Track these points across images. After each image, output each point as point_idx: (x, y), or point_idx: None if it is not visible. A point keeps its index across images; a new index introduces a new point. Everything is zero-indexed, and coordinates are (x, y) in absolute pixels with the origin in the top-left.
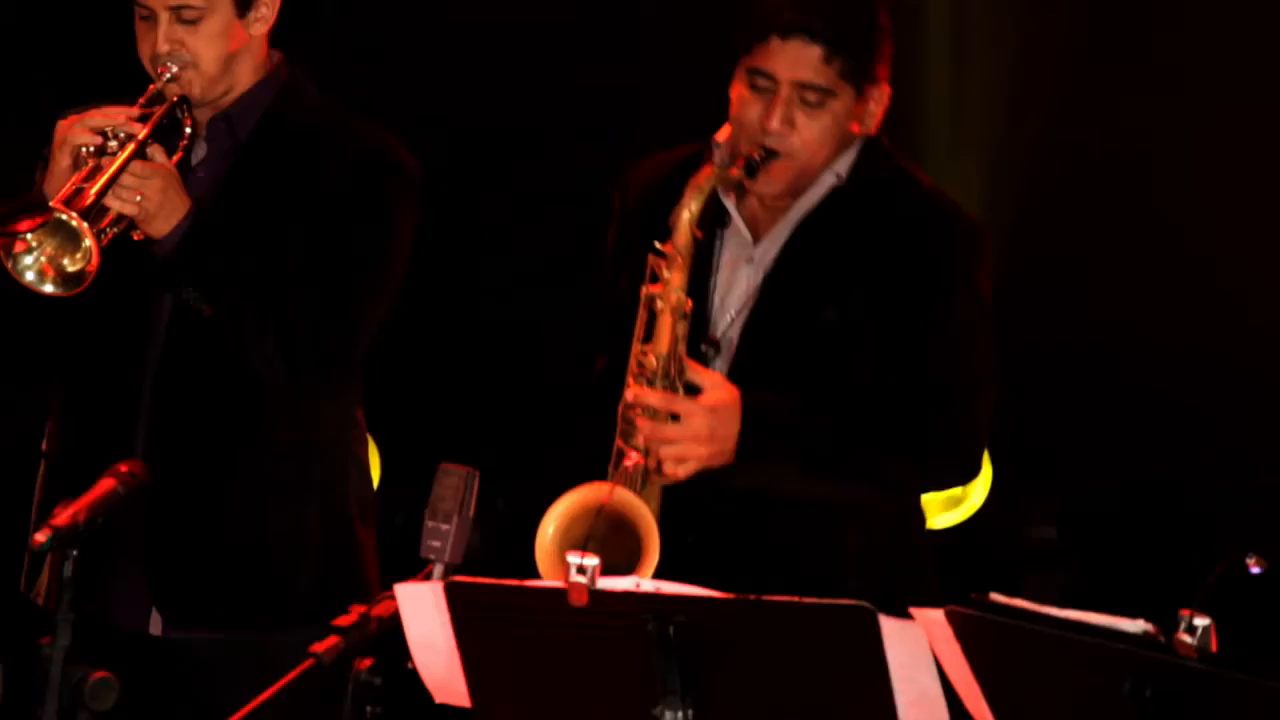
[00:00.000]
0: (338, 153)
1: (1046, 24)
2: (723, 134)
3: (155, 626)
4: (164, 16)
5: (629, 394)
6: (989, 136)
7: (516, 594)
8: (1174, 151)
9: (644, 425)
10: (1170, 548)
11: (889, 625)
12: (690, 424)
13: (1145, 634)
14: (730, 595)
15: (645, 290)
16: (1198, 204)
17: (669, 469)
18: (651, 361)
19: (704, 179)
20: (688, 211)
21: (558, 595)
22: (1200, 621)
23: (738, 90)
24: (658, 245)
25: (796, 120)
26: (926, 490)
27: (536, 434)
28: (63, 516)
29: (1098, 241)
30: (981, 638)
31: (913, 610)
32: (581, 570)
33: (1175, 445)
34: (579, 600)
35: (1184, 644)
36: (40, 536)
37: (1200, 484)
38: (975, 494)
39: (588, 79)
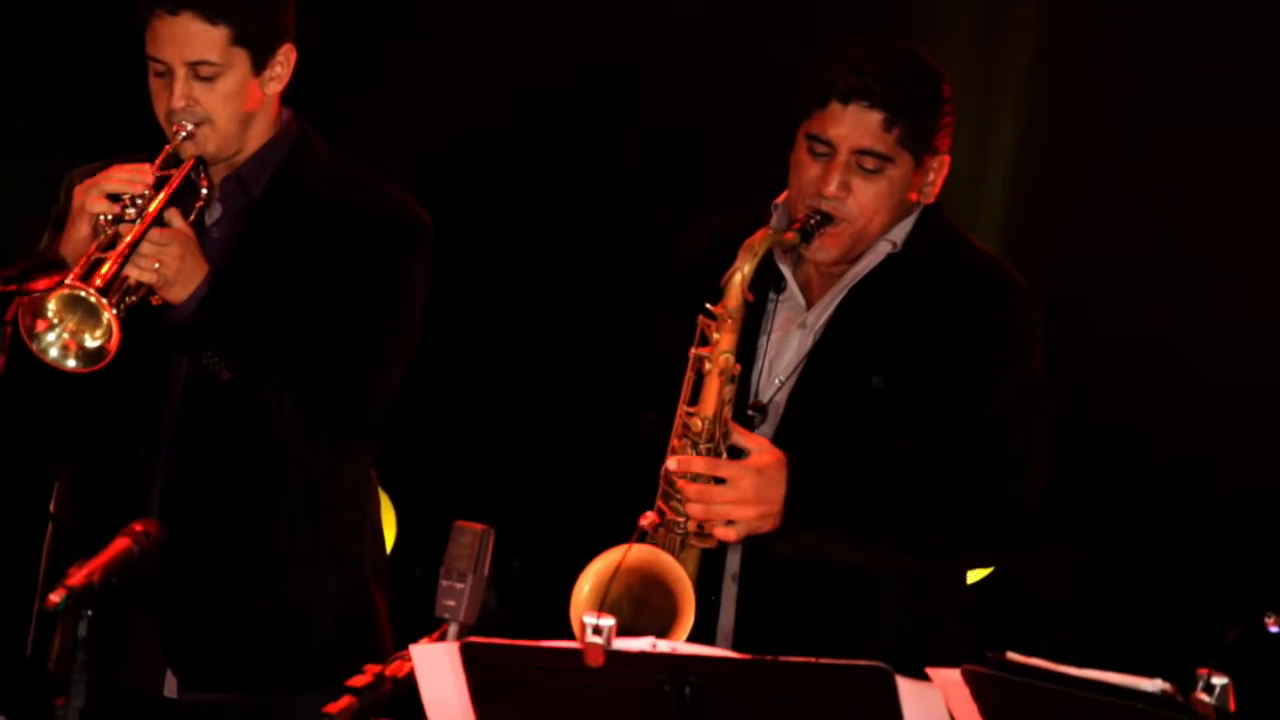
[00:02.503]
0: (351, 211)
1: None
2: (781, 198)
3: (170, 689)
4: (181, 73)
5: (672, 462)
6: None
7: (532, 654)
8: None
9: (690, 489)
10: (1189, 606)
11: (906, 686)
12: (737, 487)
13: (1163, 693)
14: (746, 655)
15: (694, 352)
16: (1226, 255)
17: (719, 532)
18: (696, 424)
19: (758, 241)
20: (740, 274)
21: (574, 655)
22: (1218, 681)
23: (797, 155)
24: (709, 306)
25: (853, 185)
26: (973, 565)
27: (554, 492)
28: (77, 576)
29: (1118, 293)
30: (998, 697)
31: (929, 670)
32: (597, 630)
33: (1194, 502)
34: (595, 661)
35: (1202, 703)
36: (55, 597)
37: (1220, 542)
38: None
39: (612, 136)
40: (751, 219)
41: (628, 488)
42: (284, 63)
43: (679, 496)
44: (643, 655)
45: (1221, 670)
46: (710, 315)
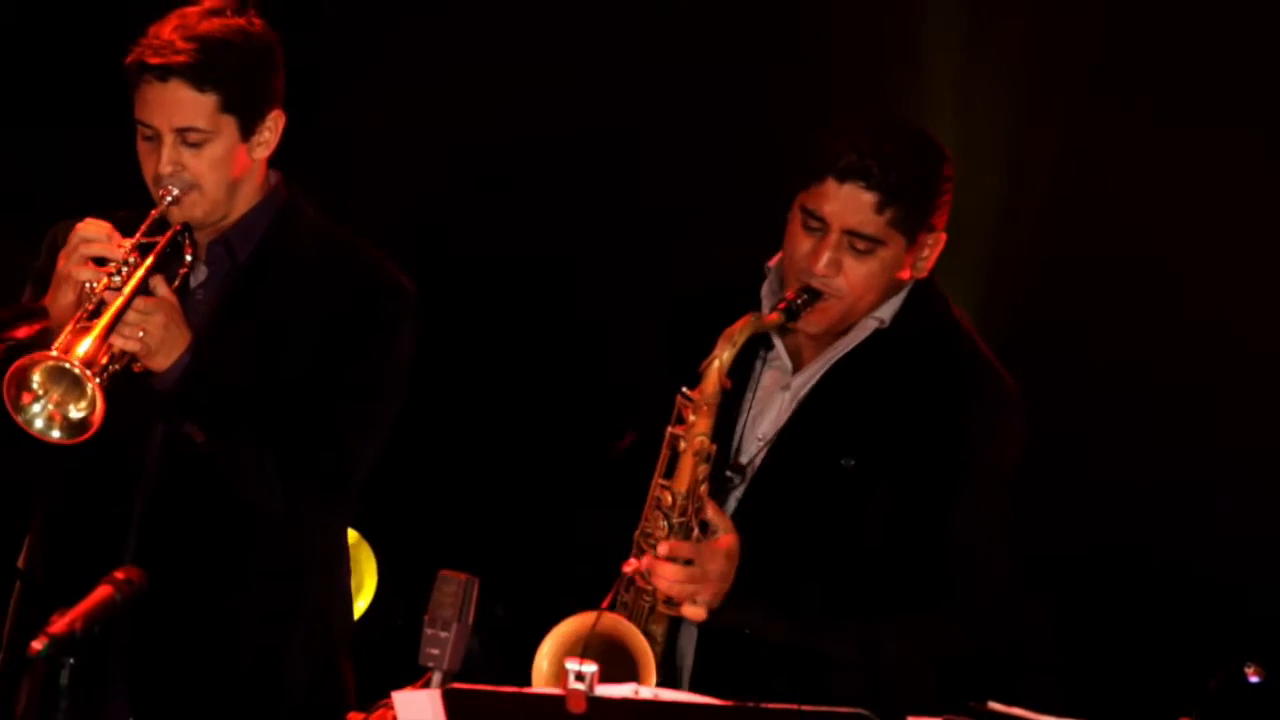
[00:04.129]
0: (336, 277)
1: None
2: (776, 259)
3: None
4: (169, 138)
5: (662, 547)
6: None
7: (515, 701)
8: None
9: (665, 570)
10: (1170, 655)
11: None
12: (706, 569)
13: None
14: (729, 702)
15: (669, 430)
16: (1208, 276)
17: (687, 610)
18: (668, 498)
19: (737, 330)
20: (718, 361)
21: (556, 702)
22: None
23: (791, 225)
24: (686, 391)
25: (844, 264)
26: (930, 657)
27: (537, 540)
28: (59, 624)
29: (1095, 321)
30: None
31: (910, 719)
32: (580, 677)
33: (1178, 551)
34: (577, 707)
35: None
36: (37, 644)
37: (1203, 591)
38: None
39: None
40: (747, 266)
41: (603, 508)
42: (272, 128)
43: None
44: (625, 702)
45: None
46: (687, 398)
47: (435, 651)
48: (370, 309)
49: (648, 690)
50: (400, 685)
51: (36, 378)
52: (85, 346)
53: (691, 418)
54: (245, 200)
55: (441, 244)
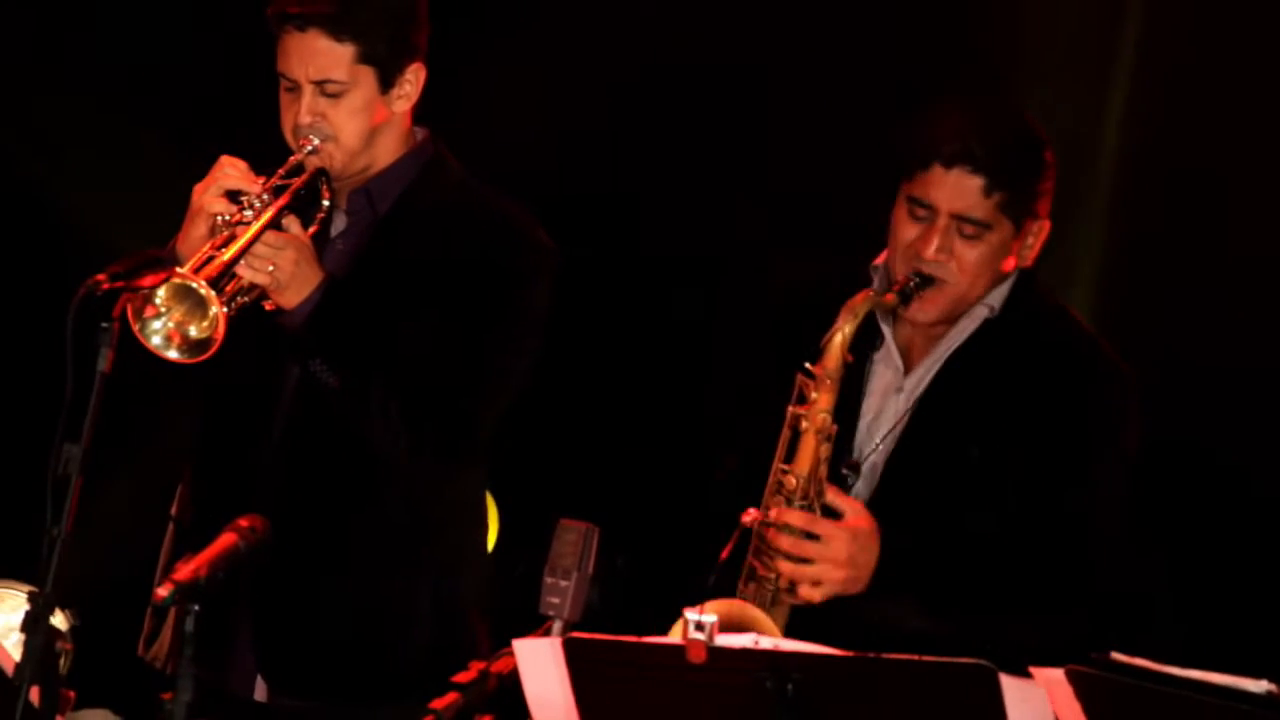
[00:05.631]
0: (476, 231)
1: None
2: (881, 258)
3: (260, 693)
4: (308, 89)
5: (773, 513)
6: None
7: (635, 650)
8: None
9: (783, 542)
10: None
11: (1010, 684)
12: (831, 546)
13: (1269, 694)
14: (849, 653)
15: (791, 410)
16: None
17: (804, 591)
18: (791, 481)
19: (859, 302)
20: (840, 335)
21: (676, 652)
22: None
23: (897, 215)
24: (808, 366)
25: (954, 249)
26: (1032, 645)
27: (659, 490)
28: (184, 571)
29: (1220, 296)
30: (1103, 697)
31: (1033, 669)
32: (700, 627)
33: None
34: (697, 657)
35: None
36: (162, 591)
37: None
38: None
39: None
40: (847, 275)
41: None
42: (412, 81)
43: (770, 551)
44: (745, 652)
45: None
46: (809, 375)
47: (555, 600)
48: (507, 264)
49: (768, 640)
50: (521, 634)
51: (160, 294)
52: (211, 268)
53: (813, 395)
54: (388, 152)
55: (565, 198)
